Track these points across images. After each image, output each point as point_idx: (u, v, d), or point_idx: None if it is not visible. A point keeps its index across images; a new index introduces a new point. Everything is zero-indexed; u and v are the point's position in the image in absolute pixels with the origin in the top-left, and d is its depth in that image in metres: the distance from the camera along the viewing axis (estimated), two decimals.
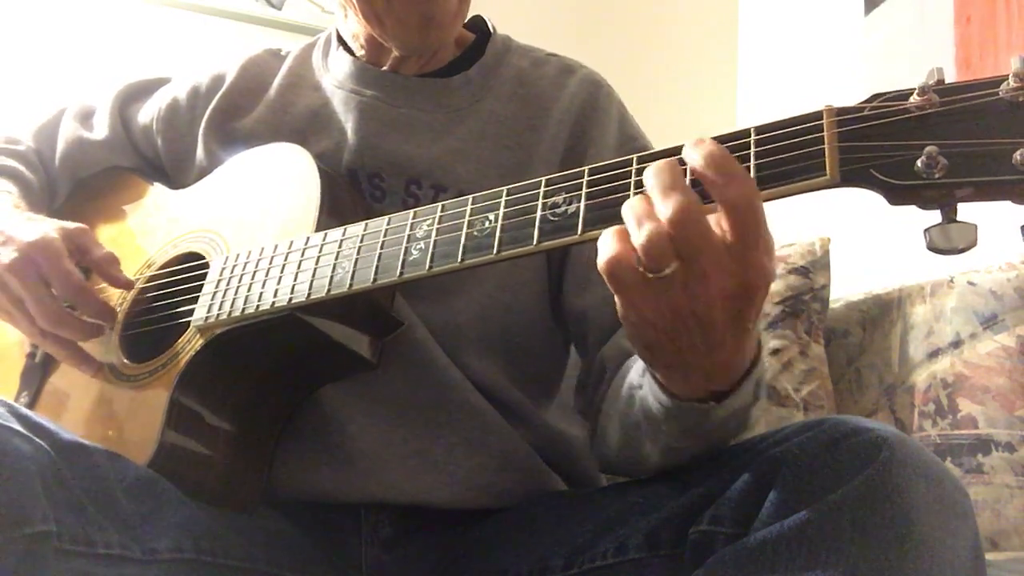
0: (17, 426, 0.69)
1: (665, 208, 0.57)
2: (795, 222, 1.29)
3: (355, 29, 1.03)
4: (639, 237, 0.58)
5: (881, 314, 1.45)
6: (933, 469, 0.61)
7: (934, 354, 1.32)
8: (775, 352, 1.46)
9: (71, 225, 0.94)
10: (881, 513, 0.58)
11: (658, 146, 1.02)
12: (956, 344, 1.29)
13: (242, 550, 0.80)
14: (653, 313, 0.59)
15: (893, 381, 1.39)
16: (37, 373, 0.98)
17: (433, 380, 0.91)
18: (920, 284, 1.39)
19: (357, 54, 1.06)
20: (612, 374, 0.87)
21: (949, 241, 0.55)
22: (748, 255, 0.57)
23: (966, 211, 0.56)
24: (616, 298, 0.61)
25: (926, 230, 0.56)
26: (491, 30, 1.09)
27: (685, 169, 0.60)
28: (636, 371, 0.78)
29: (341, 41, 1.08)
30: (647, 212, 0.58)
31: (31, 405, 0.96)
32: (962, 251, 0.55)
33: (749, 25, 2.47)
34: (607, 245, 0.60)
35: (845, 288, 1.58)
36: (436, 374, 0.91)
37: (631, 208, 0.59)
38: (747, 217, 0.57)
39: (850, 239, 1.63)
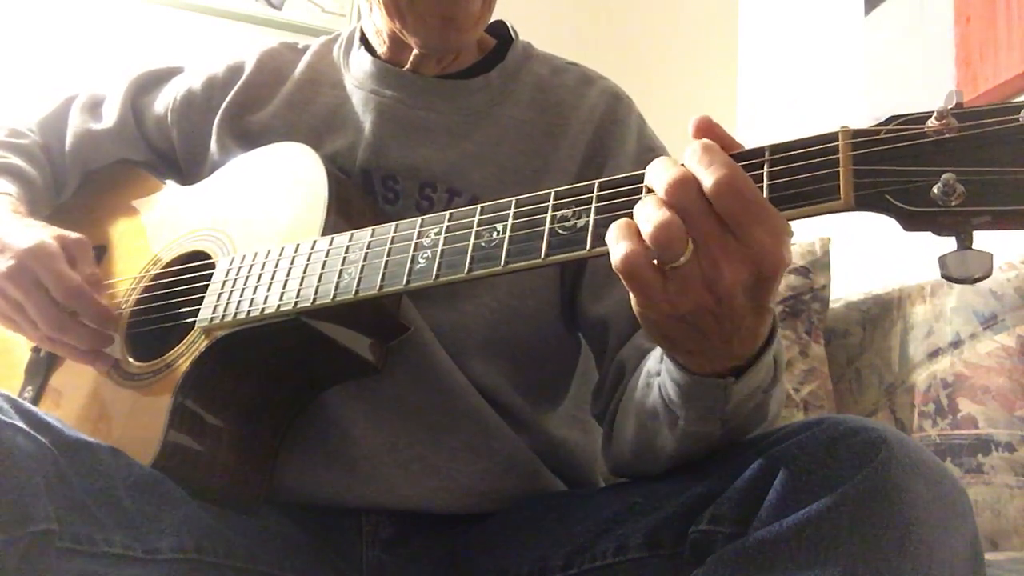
0: (21, 423, 0.69)
1: (667, 192, 0.57)
2: (795, 222, 1.29)
3: (379, 24, 1.03)
4: (647, 227, 0.57)
5: (881, 314, 1.45)
6: (932, 468, 0.61)
7: (934, 354, 1.32)
8: None
9: (70, 234, 0.94)
10: (880, 512, 0.58)
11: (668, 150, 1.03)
12: (956, 344, 1.29)
13: (244, 550, 0.80)
14: (673, 308, 0.59)
15: (893, 381, 1.39)
16: (42, 367, 0.98)
17: (437, 384, 0.91)
18: (920, 284, 1.39)
19: (379, 51, 1.05)
20: (630, 375, 0.87)
21: (965, 269, 0.54)
22: (751, 239, 0.56)
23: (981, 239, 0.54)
24: (633, 298, 0.61)
25: (941, 257, 0.54)
26: (513, 36, 1.09)
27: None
28: (654, 359, 0.77)
29: (363, 41, 1.08)
30: (653, 203, 0.58)
31: (35, 399, 0.96)
32: (977, 280, 0.54)
33: (749, 25, 2.47)
34: (617, 245, 0.59)
35: (845, 288, 1.58)
36: (440, 378, 0.91)
37: (639, 206, 0.59)
38: (732, 200, 0.56)
39: (850, 239, 1.63)
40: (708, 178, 0.57)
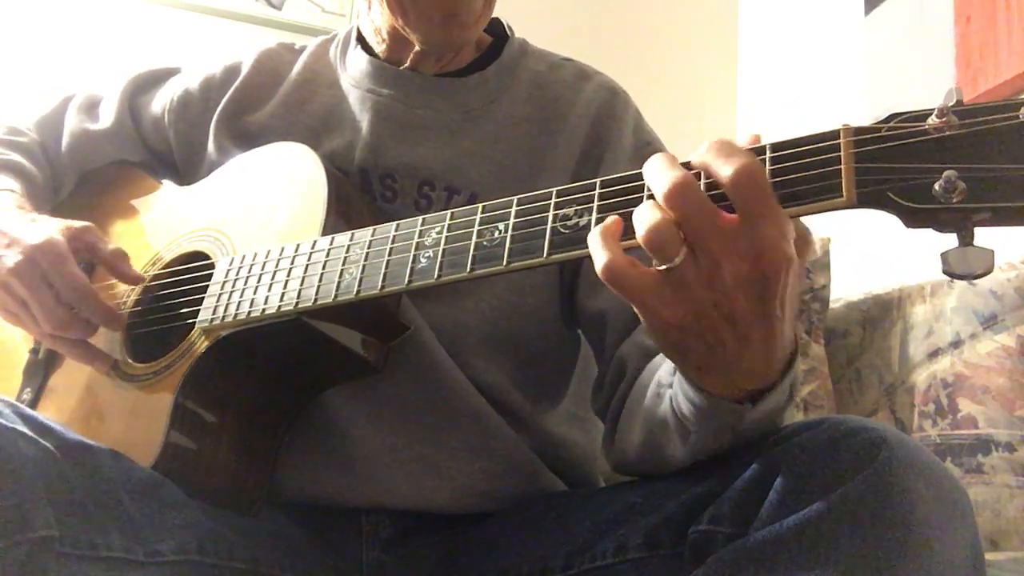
0: (23, 428, 0.69)
1: (665, 196, 0.57)
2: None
3: (379, 21, 1.03)
4: (640, 229, 0.57)
5: (881, 314, 1.45)
6: (933, 469, 0.61)
7: (934, 354, 1.32)
8: None
9: (76, 224, 0.94)
10: (881, 513, 0.58)
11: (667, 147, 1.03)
12: (956, 344, 1.29)
13: (245, 552, 0.80)
14: (673, 313, 0.58)
15: (893, 381, 1.39)
16: (40, 369, 0.98)
17: (437, 384, 0.91)
18: (920, 284, 1.39)
19: (377, 49, 1.05)
20: (634, 373, 0.86)
21: (967, 266, 0.54)
22: (757, 232, 0.55)
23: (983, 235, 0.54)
24: (634, 308, 0.60)
25: (943, 254, 0.55)
26: (509, 33, 1.09)
27: (687, 164, 0.60)
28: (666, 370, 0.77)
29: (360, 40, 1.08)
30: (649, 206, 0.58)
31: (34, 402, 0.96)
32: (979, 276, 0.54)
33: (749, 25, 2.47)
34: (598, 256, 0.59)
35: (845, 288, 1.58)
36: (440, 377, 0.91)
37: (637, 210, 0.59)
38: (750, 189, 0.55)
39: (850, 239, 1.63)
40: (727, 168, 0.56)
